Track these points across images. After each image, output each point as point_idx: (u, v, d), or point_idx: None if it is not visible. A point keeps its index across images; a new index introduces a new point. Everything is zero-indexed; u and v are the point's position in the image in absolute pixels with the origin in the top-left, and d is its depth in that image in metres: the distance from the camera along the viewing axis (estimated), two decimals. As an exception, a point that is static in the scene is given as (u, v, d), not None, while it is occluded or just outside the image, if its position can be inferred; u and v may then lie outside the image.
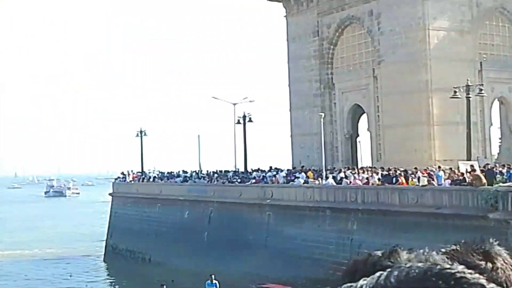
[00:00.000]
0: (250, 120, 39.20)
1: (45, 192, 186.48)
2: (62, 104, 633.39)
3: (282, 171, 36.89)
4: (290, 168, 41.07)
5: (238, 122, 39.66)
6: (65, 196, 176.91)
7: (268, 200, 32.66)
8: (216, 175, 40.63)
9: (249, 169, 39.41)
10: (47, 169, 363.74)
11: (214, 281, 24.39)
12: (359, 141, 46.30)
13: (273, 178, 35.10)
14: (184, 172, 44.19)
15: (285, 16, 48.58)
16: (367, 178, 30.62)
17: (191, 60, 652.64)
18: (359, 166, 39.52)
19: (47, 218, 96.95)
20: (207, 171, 43.33)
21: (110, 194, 49.40)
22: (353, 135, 45.85)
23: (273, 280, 28.84)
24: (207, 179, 40.26)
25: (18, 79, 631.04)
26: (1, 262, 48.29)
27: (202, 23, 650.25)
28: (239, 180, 36.77)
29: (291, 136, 47.82)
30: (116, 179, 51.33)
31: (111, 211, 48.20)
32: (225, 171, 41.37)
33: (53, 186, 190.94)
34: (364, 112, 44.36)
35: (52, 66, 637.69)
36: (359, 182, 30.45)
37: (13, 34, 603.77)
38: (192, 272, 34.85)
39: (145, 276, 38.89)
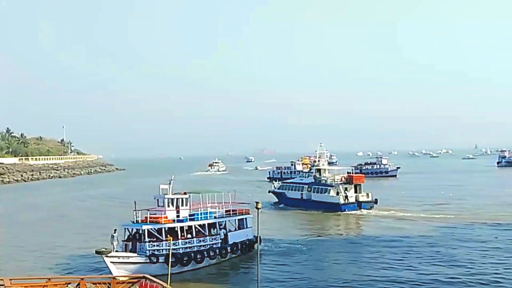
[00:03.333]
0: None
1: (497, 163, 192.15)
2: None
3: None
4: None
5: None
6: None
7: None
8: None
9: None
10: (499, 141, 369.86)
11: None
12: None
13: None
14: None
15: None
16: None
17: None
18: None
19: (497, 186, 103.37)
20: None
21: None
22: None
23: None
24: None
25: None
26: (453, 225, 55.90)
27: None
28: None
29: None
30: None
31: None
32: None
33: (505, 157, 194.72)
34: None
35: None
36: None
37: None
38: None
39: None
